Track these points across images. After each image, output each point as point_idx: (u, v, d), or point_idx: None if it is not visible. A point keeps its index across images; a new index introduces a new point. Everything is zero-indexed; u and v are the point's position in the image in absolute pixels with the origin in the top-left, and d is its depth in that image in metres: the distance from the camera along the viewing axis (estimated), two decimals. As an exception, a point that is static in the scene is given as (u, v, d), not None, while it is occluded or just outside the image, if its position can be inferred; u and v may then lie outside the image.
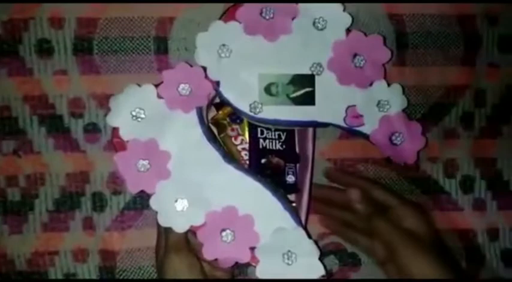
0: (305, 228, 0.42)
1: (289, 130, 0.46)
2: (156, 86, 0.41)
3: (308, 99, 0.42)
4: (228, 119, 0.45)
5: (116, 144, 0.40)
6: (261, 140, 0.45)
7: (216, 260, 0.39)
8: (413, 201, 0.45)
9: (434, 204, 0.50)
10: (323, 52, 0.42)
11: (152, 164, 0.40)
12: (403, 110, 0.43)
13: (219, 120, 0.46)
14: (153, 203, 0.40)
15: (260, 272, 0.40)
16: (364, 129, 0.43)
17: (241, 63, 0.41)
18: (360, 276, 0.50)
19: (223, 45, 0.41)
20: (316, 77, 0.42)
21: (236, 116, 0.45)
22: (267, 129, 0.45)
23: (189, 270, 0.39)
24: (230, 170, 0.41)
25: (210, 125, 0.46)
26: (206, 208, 0.40)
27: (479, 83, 0.51)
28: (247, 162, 0.45)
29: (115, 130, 0.40)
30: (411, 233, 0.41)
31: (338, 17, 0.42)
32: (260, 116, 0.42)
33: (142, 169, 0.40)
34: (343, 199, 0.44)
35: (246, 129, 0.45)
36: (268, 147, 0.45)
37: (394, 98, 0.43)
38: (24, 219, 0.47)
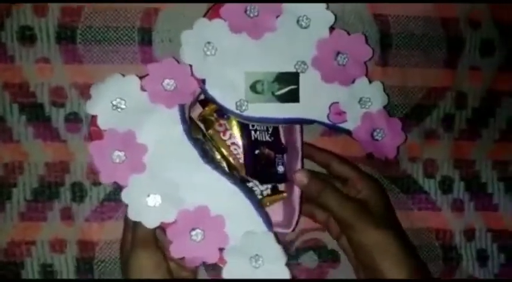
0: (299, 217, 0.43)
1: None
2: (141, 78, 0.40)
3: (293, 97, 0.42)
4: (215, 115, 0.45)
5: (93, 132, 0.40)
6: (253, 132, 0.45)
7: (183, 258, 0.39)
8: (370, 175, 0.46)
9: (413, 203, 0.51)
10: (307, 50, 0.42)
11: (128, 156, 0.39)
12: (384, 107, 0.44)
13: (205, 116, 0.45)
14: (125, 196, 0.39)
15: (227, 273, 0.39)
16: (347, 125, 0.44)
17: (226, 61, 0.41)
18: (338, 273, 0.50)
19: (209, 43, 0.40)
20: (301, 75, 0.42)
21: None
22: None
23: (155, 267, 0.38)
24: (207, 170, 0.40)
25: (198, 121, 0.46)
26: (179, 206, 0.39)
27: (460, 86, 0.52)
28: (237, 156, 0.45)
29: (93, 118, 0.40)
30: (364, 205, 0.42)
31: (321, 15, 0.42)
32: (246, 113, 0.42)
33: (117, 160, 0.39)
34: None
35: (234, 123, 0.45)
36: (259, 138, 0.45)
37: (375, 95, 0.43)
38: (1, 208, 0.46)
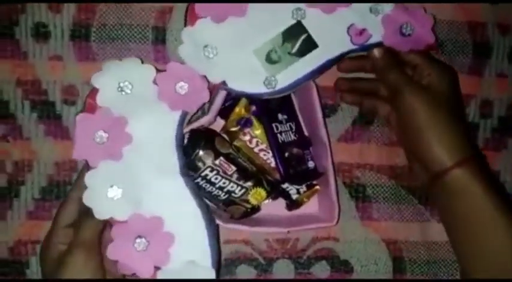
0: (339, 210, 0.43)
1: (296, 118, 0.46)
2: (158, 71, 0.39)
3: (310, 45, 0.41)
4: (237, 126, 0.45)
5: (88, 104, 0.38)
6: (279, 135, 0.45)
7: (116, 261, 0.37)
8: (443, 63, 0.44)
9: (431, 215, 0.49)
10: None
11: (110, 140, 0.37)
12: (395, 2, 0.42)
13: (229, 129, 0.45)
14: (89, 177, 0.37)
15: None
16: (374, 39, 0.41)
17: (231, 52, 0.40)
18: (350, 283, 0.48)
19: (206, 46, 0.39)
20: (303, 21, 0.40)
21: (244, 120, 0.45)
22: (279, 122, 0.45)
23: (92, 272, 0.36)
24: (179, 183, 0.38)
25: (223, 134, 0.45)
26: (135, 208, 0.37)
27: (486, 94, 0.49)
28: (267, 161, 0.45)
29: (93, 91, 0.38)
30: (427, 87, 0.40)
31: None
32: (279, 87, 0.40)
33: (98, 140, 0.37)
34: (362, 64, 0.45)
35: (259, 129, 0.45)
36: (285, 140, 0.45)
37: None
38: (9, 206, 0.46)
